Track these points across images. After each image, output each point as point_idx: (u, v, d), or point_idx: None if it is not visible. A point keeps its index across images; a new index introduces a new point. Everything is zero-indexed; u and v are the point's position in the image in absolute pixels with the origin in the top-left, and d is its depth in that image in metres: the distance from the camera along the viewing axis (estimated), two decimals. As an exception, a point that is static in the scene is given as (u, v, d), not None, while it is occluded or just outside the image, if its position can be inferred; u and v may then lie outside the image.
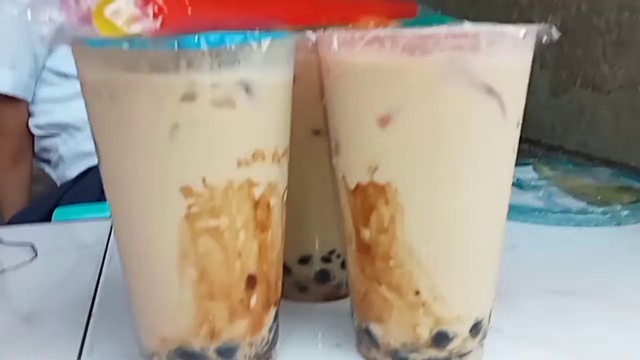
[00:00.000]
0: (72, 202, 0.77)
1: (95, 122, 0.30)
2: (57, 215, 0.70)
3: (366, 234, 0.34)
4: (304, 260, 0.44)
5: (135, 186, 0.30)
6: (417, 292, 0.33)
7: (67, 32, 0.24)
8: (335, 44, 0.30)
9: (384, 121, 0.31)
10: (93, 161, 0.87)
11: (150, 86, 0.28)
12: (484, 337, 0.36)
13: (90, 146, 0.97)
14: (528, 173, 0.79)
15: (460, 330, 0.34)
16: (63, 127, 0.90)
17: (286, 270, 0.43)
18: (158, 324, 0.32)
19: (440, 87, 0.30)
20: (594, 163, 0.85)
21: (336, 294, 0.45)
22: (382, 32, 0.29)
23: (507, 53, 0.30)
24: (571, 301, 0.45)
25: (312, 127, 0.41)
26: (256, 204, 0.31)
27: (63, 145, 0.91)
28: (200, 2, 0.27)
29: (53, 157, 0.93)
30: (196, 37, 0.27)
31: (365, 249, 0.34)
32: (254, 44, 0.28)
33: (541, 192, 0.71)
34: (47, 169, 0.96)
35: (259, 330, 0.34)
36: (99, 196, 0.80)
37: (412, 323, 0.34)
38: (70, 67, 0.88)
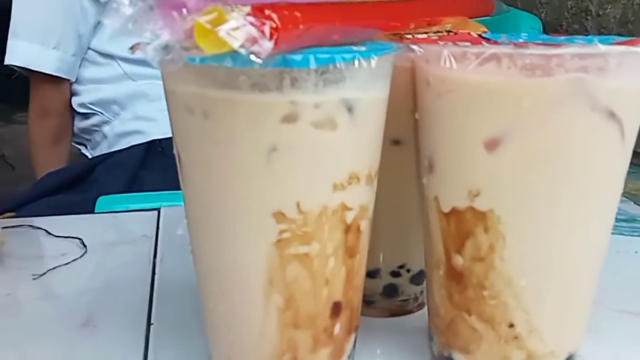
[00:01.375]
0: (108, 172, 0.76)
1: (182, 136, 0.28)
2: (100, 205, 0.68)
3: (459, 260, 0.31)
4: (372, 273, 0.42)
5: (225, 208, 0.28)
6: (511, 325, 0.31)
7: (174, 51, 0.22)
8: (444, 59, 0.28)
9: (492, 145, 0.28)
10: (135, 140, 0.86)
11: (250, 105, 0.26)
12: (573, 369, 0.34)
13: (134, 125, 0.95)
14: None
15: (552, 364, 0.32)
16: (107, 107, 0.89)
17: (353, 283, 0.42)
18: (238, 351, 0.30)
19: (559, 111, 0.27)
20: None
21: (403, 310, 0.43)
22: (500, 49, 0.27)
23: (634, 74, 0.27)
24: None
25: (392, 137, 0.38)
26: (347, 229, 0.29)
27: (106, 125, 0.90)
28: (311, 17, 0.25)
29: (95, 137, 0.92)
30: (304, 54, 0.24)
31: (457, 276, 0.32)
32: (363, 62, 0.26)
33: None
34: (84, 150, 0.95)
35: (340, 358, 0.32)
36: (137, 170, 0.80)
37: (502, 356, 0.32)
38: (115, 48, 0.87)
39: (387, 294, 0.42)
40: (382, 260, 0.42)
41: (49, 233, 0.57)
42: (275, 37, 0.22)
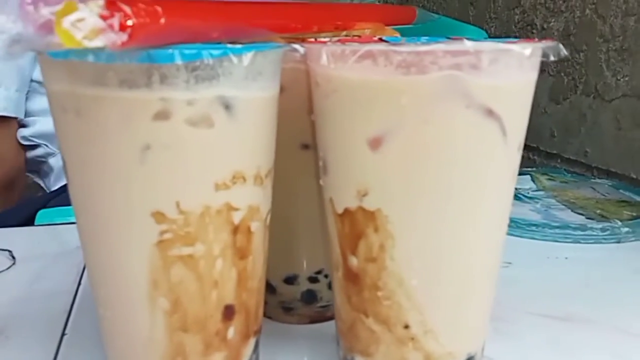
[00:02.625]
0: (58, 205, 0.73)
1: (62, 136, 0.28)
2: (40, 218, 0.67)
3: (354, 261, 0.31)
4: (290, 279, 0.42)
5: (103, 209, 0.27)
6: (407, 326, 0.31)
7: (25, 42, 0.22)
8: (324, 58, 0.28)
9: (375, 143, 0.28)
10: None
11: (119, 102, 0.25)
12: (476, 371, 0.33)
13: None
14: (526, 183, 0.77)
15: (451, 366, 0.32)
16: (50, 139, 0.86)
17: (271, 289, 0.41)
18: (129, 356, 0.30)
19: (437, 108, 0.27)
20: (593, 173, 0.83)
21: (323, 316, 0.42)
22: (375, 47, 0.27)
23: (510, 72, 0.28)
24: (569, 328, 0.42)
25: (301, 141, 0.38)
26: (235, 230, 0.29)
27: (52, 157, 0.87)
28: (176, 11, 0.25)
29: (43, 167, 0.89)
30: (170, 49, 0.24)
31: (353, 277, 0.32)
32: (235, 58, 0.26)
33: (539, 204, 0.70)
34: (37, 179, 0.92)
35: (237, 363, 0.31)
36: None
37: (400, 358, 0.31)
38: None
39: (306, 300, 0.42)
40: (299, 267, 0.42)
41: (-23, 247, 0.56)
42: (128, 30, 0.22)
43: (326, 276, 0.42)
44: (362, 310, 0.32)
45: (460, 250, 0.30)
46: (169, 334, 0.29)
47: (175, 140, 0.26)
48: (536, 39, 0.30)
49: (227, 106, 0.27)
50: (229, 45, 0.26)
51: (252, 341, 0.32)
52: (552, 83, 0.91)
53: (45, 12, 0.22)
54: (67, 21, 0.21)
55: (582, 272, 0.52)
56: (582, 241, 0.59)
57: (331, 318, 0.43)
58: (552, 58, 0.28)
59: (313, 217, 0.40)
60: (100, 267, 0.29)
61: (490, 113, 0.28)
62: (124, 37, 0.22)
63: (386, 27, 0.44)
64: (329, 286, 0.42)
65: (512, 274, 0.49)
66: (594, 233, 0.59)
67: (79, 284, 0.49)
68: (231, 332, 0.30)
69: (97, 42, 0.21)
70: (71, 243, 0.58)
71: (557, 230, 0.60)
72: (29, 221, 0.68)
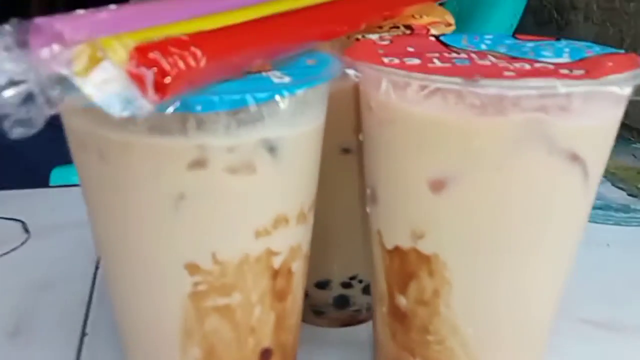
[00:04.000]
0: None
1: (83, 176, 0.24)
2: (55, 177, 0.64)
3: (402, 301, 0.28)
4: (322, 285, 0.39)
5: (130, 258, 0.24)
6: (458, 372, 0.28)
7: (41, 104, 0.18)
8: (384, 88, 0.24)
9: (436, 186, 0.25)
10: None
11: (149, 150, 0.22)
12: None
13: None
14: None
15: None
16: None
17: (302, 293, 0.39)
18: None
19: (514, 154, 0.23)
20: (633, 135, 0.79)
21: (355, 319, 0.40)
22: (448, 82, 0.23)
23: (602, 112, 0.24)
24: (617, 337, 0.40)
25: (341, 145, 0.35)
26: (275, 274, 0.26)
27: None
28: (214, 44, 0.20)
29: None
30: (209, 95, 0.20)
31: (400, 316, 0.29)
32: (283, 100, 0.22)
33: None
34: None
35: (273, 400, 0.29)
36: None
37: (448, 401, 0.29)
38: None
39: (338, 305, 0.40)
40: (332, 272, 0.39)
41: (-13, 213, 0.54)
42: (164, 87, 0.18)
43: (360, 281, 0.39)
44: (409, 350, 0.29)
45: (523, 301, 0.27)
46: (202, 381, 0.27)
47: (212, 189, 0.23)
48: (627, 58, 0.26)
49: (271, 149, 0.23)
50: (276, 81, 0.22)
51: (288, 375, 0.30)
52: (595, 33, 0.85)
53: (62, 59, 0.18)
54: (90, 83, 0.17)
55: (626, 263, 0.49)
56: (623, 224, 0.56)
57: (363, 321, 0.41)
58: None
59: (349, 223, 0.37)
60: (126, 313, 0.26)
61: (574, 158, 0.24)
62: (157, 97, 0.18)
63: (436, 6, 0.39)
64: (364, 291, 0.39)
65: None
66: (637, 216, 0.56)
67: (97, 266, 0.47)
68: (267, 373, 0.28)
69: (126, 112, 0.18)
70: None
71: (598, 212, 0.56)
72: (43, 181, 0.65)
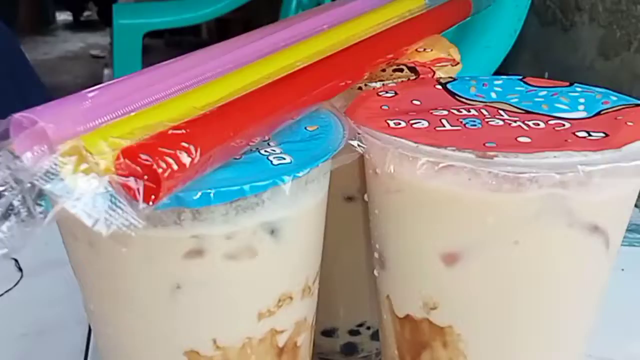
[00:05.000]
0: None
1: (74, 262, 0.23)
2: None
3: (414, 369, 0.27)
4: (328, 332, 0.38)
5: (126, 345, 0.23)
6: None
7: (33, 219, 0.17)
8: (391, 160, 0.22)
9: (450, 259, 0.23)
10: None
11: (142, 241, 0.20)
12: None
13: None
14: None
15: None
16: None
17: (307, 341, 0.38)
18: None
19: (532, 229, 0.22)
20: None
21: (364, 365, 0.39)
22: (459, 159, 0.21)
23: (621, 183, 0.22)
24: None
25: (344, 194, 0.33)
26: (280, 352, 0.25)
27: None
28: (211, 134, 0.19)
29: None
30: (204, 190, 0.19)
31: (412, 383, 0.27)
32: (285, 185, 0.20)
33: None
34: None
35: None
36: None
37: None
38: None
39: (345, 352, 0.38)
40: (338, 319, 0.38)
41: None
42: (156, 191, 0.16)
43: (369, 328, 0.38)
44: (422, 417, 0.28)
45: (543, 370, 0.25)
46: None
47: (211, 277, 0.21)
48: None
49: (272, 231, 0.22)
50: (276, 162, 0.21)
51: None
52: (601, 35, 0.83)
53: (46, 164, 0.16)
54: (71, 198, 0.16)
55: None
56: (636, 244, 0.54)
57: (373, 366, 0.39)
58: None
59: (354, 270, 0.36)
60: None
61: (595, 230, 0.23)
62: (149, 201, 0.16)
63: (441, 38, 0.38)
64: (372, 337, 0.38)
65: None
66: (649, 236, 0.55)
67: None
68: None
69: (113, 228, 0.16)
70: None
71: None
72: None
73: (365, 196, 0.27)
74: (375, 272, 0.28)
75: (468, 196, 0.22)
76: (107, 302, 0.22)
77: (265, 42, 0.26)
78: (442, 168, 0.21)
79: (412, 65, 0.33)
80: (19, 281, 0.49)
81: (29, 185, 0.17)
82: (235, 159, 0.21)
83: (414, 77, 0.32)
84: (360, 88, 0.30)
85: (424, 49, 0.36)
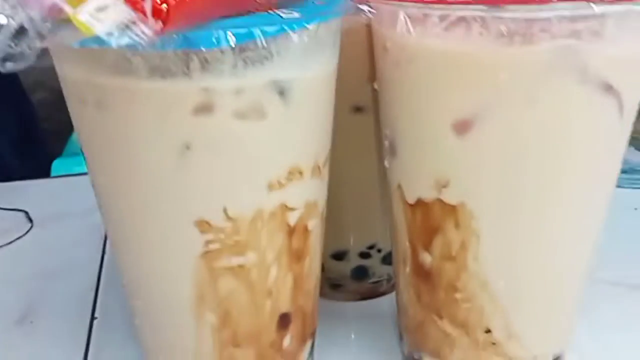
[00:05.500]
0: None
1: (82, 131, 0.23)
2: (56, 168, 0.63)
3: (427, 258, 0.27)
4: (339, 256, 0.37)
5: (136, 217, 0.23)
6: (488, 330, 0.27)
7: (32, 38, 0.16)
8: (402, 24, 0.22)
9: (462, 127, 0.23)
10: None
11: (150, 95, 0.20)
12: (560, 368, 0.30)
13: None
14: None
15: (535, 369, 0.28)
16: None
17: (318, 265, 0.37)
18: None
19: (544, 86, 0.22)
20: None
21: (376, 292, 0.38)
22: (471, 9, 0.21)
23: (635, 38, 0.22)
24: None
25: (353, 103, 0.33)
26: (291, 232, 0.24)
27: None
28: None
29: None
30: (211, 31, 0.19)
31: (424, 275, 0.27)
32: (294, 35, 0.20)
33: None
34: None
35: (293, 371, 0.28)
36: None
37: (479, 363, 0.28)
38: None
39: (356, 277, 0.38)
40: (349, 241, 0.37)
41: (-10, 205, 0.52)
42: (164, 14, 0.16)
43: (379, 250, 0.37)
44: (435, 311, 0.28)
45: (557, 251, 0.25)
46: (218, 349, 0.25)
47: (220, 137, 0.21)
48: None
49: (281, 92, 0.21)
50: (285, 16, 0.21)
51: (308, 344, 0.29)
52: None
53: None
54: (84, 12, 0.16)
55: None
56: (645, 185, 0.54)
57: (384, 293, 0.39)
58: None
59: (365, 189, 0.36)
60: (135, 278, 0.25)
61: (609, 89, 0.22)
62: (157, 25, 0.16)
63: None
64: (383, 260, 0.38)
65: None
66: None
67: (104, 250, 0.45)
68: (287, 341, 0.27)
69: (125, 40, 0.16)
70: (91, 198, 0.54)
71: (623, 176, 0.54)
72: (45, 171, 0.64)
73: (375, 84, 0.27)
74: (386, 163, 0.28)
75: (480, 53, 0.21)
76: (116, 170, 0.22)
77: None
78: (452, 23, 0.21)
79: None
80: (29, 230, 0.49)
81: (37, 9, 0.16)
82: (242, 15, 0.21)
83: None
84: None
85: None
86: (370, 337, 0.35)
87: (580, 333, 0.34)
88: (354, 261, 0.37)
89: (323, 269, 0.38)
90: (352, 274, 0.38)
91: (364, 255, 0.37)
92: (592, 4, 0.20)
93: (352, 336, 0.36)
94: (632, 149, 0.60)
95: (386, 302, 0.38)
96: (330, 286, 0.38)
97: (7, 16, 0.17)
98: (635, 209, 0.50)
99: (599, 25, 0.21)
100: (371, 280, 0.38)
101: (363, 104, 0.33)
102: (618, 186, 0.55)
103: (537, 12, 0.20)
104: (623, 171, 0.56)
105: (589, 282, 0.39)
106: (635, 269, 0.42)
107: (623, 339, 0.35)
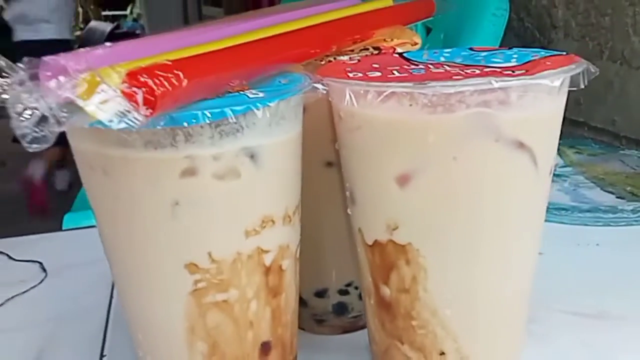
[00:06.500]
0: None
1: (90, 192, 0.28)
2: (67, 222, 0.68)
3: (386, 291, 0.31)
4: (321, 293, 0.42)
5: (136, 262, 0.28)
6: (442, 353, 0.31)
7: (52, 124, 0.21)
8: (347, 98, 0.27)
9: (403, 180, 0.28)
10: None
11: (146, 162, 0.25)
12: (513, 387, 0.34)
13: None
14: (553, 159, 0.75)
15: (488, 386, 0.32)
16: None
17: (303, 303, 0.42)
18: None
19: (465, 146, 0.27)
20: (622, 142, 0.82)
21: (356, 326, 0.43)
22: (400, 87, 0.26)
23: (540, 104, 0.27)
24: (602, 327, 0.42)
25: (325, 159, 0.38)
26: (267, 271, 0.29)
27: None
28: (196, 68, 0.24)
29: None
30: (192, 111, 0.24)
31: (386, 306, 0.32)
32: (259, 111, 0.25)
33: (567, 183, 0.68)
34: None
35: (276, 393, 0.32)
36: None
37: (437, 382, 0.32)
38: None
39: (337, 312, 0.42)
40: (329, 280, 0.42)
41: (10, 257, 0.57)
42: (152, 103, 0.21)
43: (356, 288, 0.42)
44: (397, 337, 0.32)
45: (494, 279, 0.30)
46: (208, 374, 0.29)
47: (203, 195, 0.26)
48: (565, 57, 0.29)
49: (252, 156, 0.26)
50: (251, 96, 0.26)
51: (288, 370, 0.33)
52: (576, 48, 0.88)
53: (67, 87, 0.21)
54: (91, 104, 0.21)
55: (613, 260, 0.52)
56: (612, 224, 0.58)
57: (364, 327, 0.43)
58: (582, 86, 0.27)
59: (340, 233, 0.40)
60: (136, 314, 0.29)
61: (520, 146, 0.27)
62: (147, 112, 0.21)
63: (406, 29, 0.43)
64: (360, 297, 0.42)
65: (542, 265, 0.48)
66: (625, 215, 0.59)
67: (111, 296, 0.50)
68: (269, 366, 0.31)
69: (123, 124, 0.21)
70: (99, 249, 0.59)
71: (587, 214, 0.59)
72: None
73: (336, 145, 0.32)
74: (349, 211, 0.32)
75: (411, 120, 0.26)
76: (118, 223, 0.27)
77: (260, 21, 0.32)
78: (387, 97, 0.26)
79: (377, 47, 0.39)
80: (43, 279, 0.54)
81: (55, 101, 0.22)
82: (219, 96, 0.26)
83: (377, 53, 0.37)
84: (329, 61, 0.35)
85: (391, 39, 0.41)
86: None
87: (538, 356, 0.38)
88: (334, 298, 0.42)
89: (307, 305, 0.42)
90: (333, 310, 0.42)
91: (343, 292, 0.42)
92: (492, 81, 0.25)
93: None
94: (598, 189, 0.65)
95: (364, 334, 0.42)
96: (315, 321, 0.43)
97: (31, 108, 0.22)
98: (597, 244, 0.54)
99: (505, 95, 0.26)
100: (351, 315, 0.42)
101: (333, 160, 0.38)
102: (582, 224, 0.59)
103: (452, 87, 0.25)
104: (587, 210, 0.61)
105: (552, 311, 0.44)
106: (598, 300, 0.45)
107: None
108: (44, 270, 0.55)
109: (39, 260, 0.56)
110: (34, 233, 0.64)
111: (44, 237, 0.63)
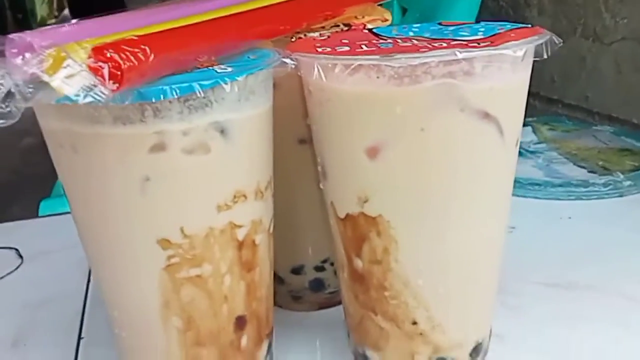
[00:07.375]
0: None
1: (61, 170, 0.28)
2: (44, 208, 0.68)
3: (359, 263, 0.32)
4: (297, 270, 0.42)
5: (109, 240, 0.28)
6: (415, 322, 0.32)
7: (18, 99, 0.21)
8: (316, 72, 0.28)
9: (372, 152, 0.28)
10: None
11: (115, 138, 0.25)
12: (485, 354, 0.34)
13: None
14: (527, 135, 0.76)
15: (460, 354, 0.33)
16: None
17: (279, 280, 0.42)
18: (146, 371, 0.31)
19: (432, 116, 0.27)
20: (595, 119, 0.83)
21: (332, 302, 0.43)
22: (367, 59, 0.26)
23: (504, 74, 0.27)
24: (573, 297, 0.43)
25: (297, 136, 0.38)
26: (240, 245, 0.29)
27: None
28: (163, 43, 0.24)
29: None
30: (161, 86, 0.24)
31: (359, 278, 0.32)
32: (227, 86, 0.25)
33: (540, 159, 0.69)
34: None
35: (253, 367, 0.32)
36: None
37: (410, 351, 0.32)
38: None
39: (313, 289, 0.43)
40: (305, 257, 0.42)
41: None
42: (118, 77, 0.22)
43: (332, 264, 0.42)
44: (370, 308, 0.32)
45: (464, 248, 0.30)
46: (184, 349, 0.30)
47: (173, 170, 0.26)
48: (529, 29, 0.30)
49: (222, 130, 0.27)
50: (219, 71, 0.26)
51: (265, 344, 0.33)
52: (550, 25, 0.89)
53: (34, 63, 0.21)
54: (57, 79, 0.21)
55: (585, 232, 0.53)
56: (584, 198, 0.59)
57: (339, 303, 0.44)
58: (545, 56, 0.28)
59: (315, 209, 0.40)
60: (111, 292, 0.30)
61: (486, 116, 0.28)
62: (114, 85, 0.21)
63: (377, 6, 0.43)
64: (336, 273, 0.43)
65: (515, 239, 0.49)
66: (596, 189, 0.60)
67: (88, 280, 0.50)
68: (244, 341, 0.31)
69: (89, 98, 0.21)
70: (75, 235, 0.58)
71: (559, 189, 0.60)
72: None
73: (307, 120, 0.32)
74: (321, 185, 0.33)
75: (378, 92, 0.27)
76: (90, 201, 0.27)
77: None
78: (354, 70, 0.27)
79: (348, 23, 0.39)
80: (19, 266, 0.53)
81: (21, 77, 0.22)
82: (187, 72, 0.26)
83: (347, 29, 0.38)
84: (300, 38, 0.35)
85: (362, 16, 0.41)
86: (325, 340, 0.40)
87: (513, 326, 0.39)
88: (311, 274, 0.42)
89: (284, 282, 0.43)
90: (310, 286, 0.43)
91: (319, 268, 0.42)
92: (457, 52, 0.25)
93: (310, 340, 0.40)
94: (570, 164, 0.66)
95: (340, 310, 0.42)
96: (292, 298, 0.43)
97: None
98: (569, 217, 0.56)
99: (469, 66, 0.26)
100: (327, 291, 0.43)
101: (305, 137, 0.38)
102: (555, 198, 0.60)
103: (417, 59, 0.26)
104: (559, 185, 0.62)
105: (526, 283, 0.44)
106: (570, 271, 0.46)
107: (552, 331, 0.39)
108: (20, 256, 0.55)
109: (15, 247, 0.56)
110: (10, 220, 0.63)
111: (20, 224, 0.63)
